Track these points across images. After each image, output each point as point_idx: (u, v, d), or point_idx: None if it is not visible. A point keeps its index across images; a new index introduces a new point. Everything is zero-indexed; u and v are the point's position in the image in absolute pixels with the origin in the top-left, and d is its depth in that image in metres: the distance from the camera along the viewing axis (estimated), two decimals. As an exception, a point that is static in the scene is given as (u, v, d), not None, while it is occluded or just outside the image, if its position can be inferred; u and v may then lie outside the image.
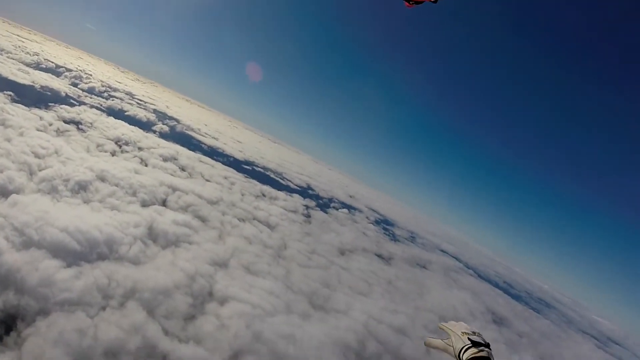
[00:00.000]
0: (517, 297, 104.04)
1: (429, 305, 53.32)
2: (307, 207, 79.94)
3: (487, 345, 2.39)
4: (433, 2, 5.30)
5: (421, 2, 5.46)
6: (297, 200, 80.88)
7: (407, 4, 5.50)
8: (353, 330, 37.35)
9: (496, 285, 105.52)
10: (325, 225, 73.44)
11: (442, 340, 2.56)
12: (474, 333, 2.48)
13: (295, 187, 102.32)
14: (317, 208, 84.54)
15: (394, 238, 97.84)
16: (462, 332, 2.48)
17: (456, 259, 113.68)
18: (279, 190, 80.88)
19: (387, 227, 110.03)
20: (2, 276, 22.04)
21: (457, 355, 2.38)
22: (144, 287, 26.50)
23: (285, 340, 30.00)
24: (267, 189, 76.24)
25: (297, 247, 52.25)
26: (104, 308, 23.54)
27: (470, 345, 2.31)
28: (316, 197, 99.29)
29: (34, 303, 21.44)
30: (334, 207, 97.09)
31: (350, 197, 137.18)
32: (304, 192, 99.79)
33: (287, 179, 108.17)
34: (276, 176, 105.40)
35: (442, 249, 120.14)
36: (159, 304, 26.07)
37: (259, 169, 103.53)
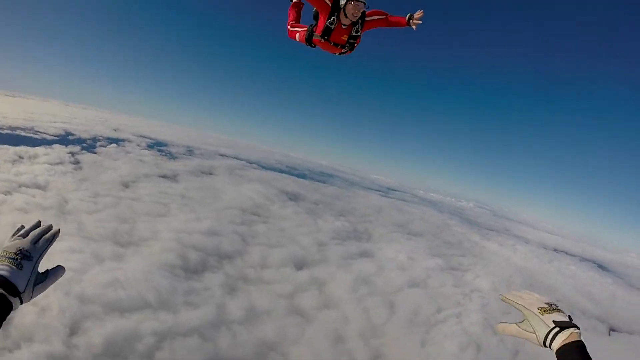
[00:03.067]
0: (301, 176, 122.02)
1: (227, 204, 58.57)
2: (72, 153, 73.37)
3: (571, 320, 1.94)
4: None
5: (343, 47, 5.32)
6: (59, 150, 73.03)
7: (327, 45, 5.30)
8: (169, 250, 39.12)
9: (281, 171, 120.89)
10: (98, 165, 69.59)
11: (517, 325, 2.06)
12: (550, 306, 2.01)
13: (53, 137, 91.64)
14: (83, 152, 78.44)
15: (172, 156, 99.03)
16: (539, 309, 2.02)
17: (236, 158, 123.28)
18: (35, 146, 71.46)
19: (162, 148, 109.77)
20: None
21: (543, 342, 1.95)
22: None
23: (111, 287, 29.78)
24: (22, 149, 66.34)
25: (78, 196, 49.08)
26: None
27: (558, 329, 1.82)
28: (79, 141, 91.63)
29: None
30: (101, 146, 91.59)
31: (115, 130, 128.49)
32: (64, 139, 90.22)
33: (41, 132, 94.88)
34: (27, 132, 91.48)
35: (221, 153, 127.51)
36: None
37: (5, 131, 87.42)
